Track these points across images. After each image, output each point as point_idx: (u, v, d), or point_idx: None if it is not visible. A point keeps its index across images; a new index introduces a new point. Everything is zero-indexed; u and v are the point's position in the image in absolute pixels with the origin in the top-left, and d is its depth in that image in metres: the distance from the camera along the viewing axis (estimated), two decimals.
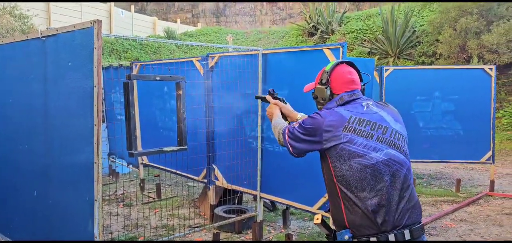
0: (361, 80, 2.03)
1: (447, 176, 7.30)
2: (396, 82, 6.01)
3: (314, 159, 3.93)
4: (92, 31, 2.49)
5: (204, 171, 5.13)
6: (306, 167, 4.04)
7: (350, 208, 1.77)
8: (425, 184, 6.88)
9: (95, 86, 2.48)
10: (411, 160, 4.64)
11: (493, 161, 6.01)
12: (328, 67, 1.97)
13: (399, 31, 13.82)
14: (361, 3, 20.59)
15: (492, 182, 6.00)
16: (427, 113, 6.14)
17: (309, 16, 17.69)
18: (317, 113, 1.88)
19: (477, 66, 6.38)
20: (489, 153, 5.95)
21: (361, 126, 1.78)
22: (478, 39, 10.96)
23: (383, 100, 6.04)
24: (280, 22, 25.07)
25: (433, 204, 5.84)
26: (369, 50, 14.72)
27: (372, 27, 15.46)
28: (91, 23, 2.50)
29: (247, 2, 24.96)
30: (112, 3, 17.66)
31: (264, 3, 25.77)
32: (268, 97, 2.33)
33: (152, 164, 6.19)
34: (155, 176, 7.25)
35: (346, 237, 1.77)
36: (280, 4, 25.54)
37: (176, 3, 25.75)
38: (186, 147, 3.76)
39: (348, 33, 15.99)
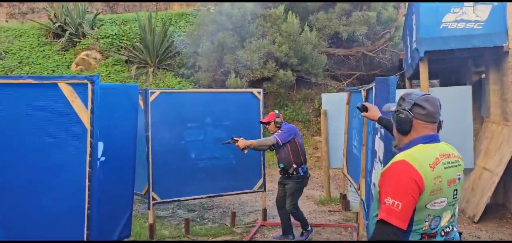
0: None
1: (219, 205, 6.77)
2: (163, 107, 4.97)
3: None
4: None
5: None
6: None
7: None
8: (198, 219, 6.11)
9: None
10: (184, 198, 5.58)
11: (265, 189, 5.77)
12: (277, 112, 5.09)
13: (158, 39, 13.13)
14: (116, 4, 18.99)
15: (265, 210, 5.73)
16: (199, 142, 5.36)
17: (54, 15, 15.04)
18: (287, 125, 5.08)
19: (247, 90, 6.08)
20: (261, 181, 5.66)
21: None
22: (233, 54, 11.26)
23: (150, 130, 4.94)
24: (20, 16, 20.66)
25: None
26: (127, 58, 13.48)
27: (129, 33, 14.24)
28: None
29: None
30: None
31: None
32: (238, 139, 4.80)
33: None
34: None
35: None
36: None
37: None
38: None
39: (103, 38, 14.28)
